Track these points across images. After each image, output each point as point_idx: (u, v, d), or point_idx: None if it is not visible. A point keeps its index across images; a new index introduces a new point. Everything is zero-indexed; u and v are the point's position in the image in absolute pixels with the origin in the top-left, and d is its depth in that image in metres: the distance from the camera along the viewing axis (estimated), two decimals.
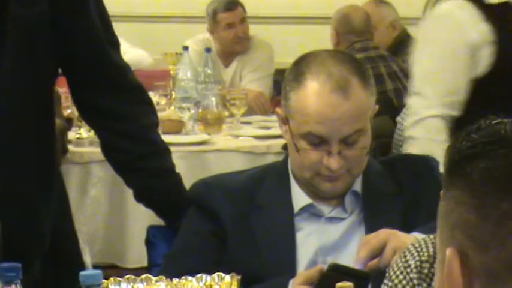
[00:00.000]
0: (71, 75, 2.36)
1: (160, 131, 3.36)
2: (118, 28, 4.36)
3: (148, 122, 2.42)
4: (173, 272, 1.85)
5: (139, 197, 2.47)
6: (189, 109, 4.19)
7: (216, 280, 1.63)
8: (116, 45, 2.40)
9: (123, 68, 2.40)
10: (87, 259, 3.09)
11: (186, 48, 4.51)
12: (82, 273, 1.58)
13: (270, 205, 2.16)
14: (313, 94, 2.01)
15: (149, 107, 2.47)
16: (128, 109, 2.37)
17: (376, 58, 4.61)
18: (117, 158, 2.44)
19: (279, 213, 2.15)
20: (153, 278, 1.64)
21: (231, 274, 1.62)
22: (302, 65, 2.06)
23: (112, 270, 3.54)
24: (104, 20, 2.37)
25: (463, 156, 1.03)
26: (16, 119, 2.24)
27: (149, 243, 2.41)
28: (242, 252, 2.12)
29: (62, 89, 3.38)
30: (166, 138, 3.30)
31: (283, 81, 2.11)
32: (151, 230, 2.44)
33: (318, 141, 2.02)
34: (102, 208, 3.80)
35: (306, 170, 2.07)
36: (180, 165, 3.39)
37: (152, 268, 2.34)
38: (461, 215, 1.00)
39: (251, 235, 2.14)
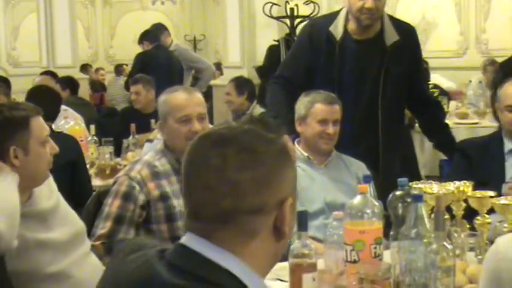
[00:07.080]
0: (409, 96, 3.48)
1: (457, 118, 6.21)
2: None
3: (442, 115, 3.74)
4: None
5: (436, 146, 3.68)
6: (469, 108, 6.54)
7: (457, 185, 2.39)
8: (425, 81, 3.91)
9: (429, 93, 3.81)
10: None
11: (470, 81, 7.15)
12: (400, 179, 2.07)
13: (495, 149, 2.98)
14: None
15: (442, 110, 3.78)
16: (434, 110, 3.60)
17: None
18: (425, 129, 3.69)
19: (498, 151, 3.01)
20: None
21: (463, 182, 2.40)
22: None
23: None
24: (421, 70, 3.66)
25: None
26: (392, 122, 3.40)
27: None
28: (477, 170, 2.92)
29: None
30: (460, 121, 6.10)
31: None
32: None
33: None
34: None
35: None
36: (462, 134, 4.94)
37: None
38: None
39: (484, 163, 2.96)
